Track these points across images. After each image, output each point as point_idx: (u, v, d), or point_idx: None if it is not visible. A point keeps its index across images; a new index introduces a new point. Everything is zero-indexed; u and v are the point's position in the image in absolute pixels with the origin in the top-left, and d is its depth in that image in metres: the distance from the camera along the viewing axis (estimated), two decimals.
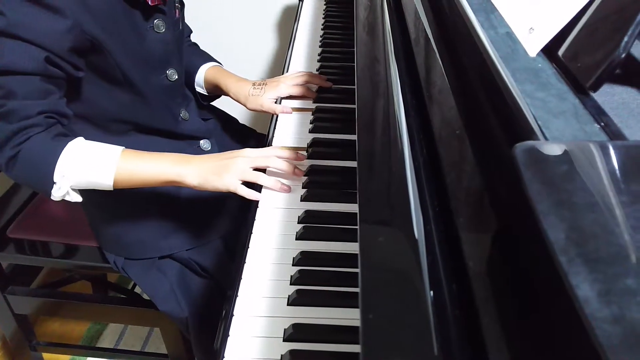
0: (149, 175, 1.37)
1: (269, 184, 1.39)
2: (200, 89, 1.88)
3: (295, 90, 1.78)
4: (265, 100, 1.76)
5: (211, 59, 1.91)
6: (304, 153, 1.51)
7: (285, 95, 1.79)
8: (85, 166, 1.31)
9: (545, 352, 0.48)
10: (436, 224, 0.72)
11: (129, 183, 1.37)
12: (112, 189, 1.37)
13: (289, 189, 1.40)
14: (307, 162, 1.47)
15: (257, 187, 1.40)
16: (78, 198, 1.39)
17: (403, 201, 0.76)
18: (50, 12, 1.23)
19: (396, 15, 1.38)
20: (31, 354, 2.21)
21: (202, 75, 1.85)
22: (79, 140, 1.34)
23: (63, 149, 1.29)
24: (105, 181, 1.34)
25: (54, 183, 1.30)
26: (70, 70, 1.32)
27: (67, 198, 1.36)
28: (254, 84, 1.80)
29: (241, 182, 1.36)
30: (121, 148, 1.37)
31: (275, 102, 1.77)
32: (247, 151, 1.42)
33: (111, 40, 1.36)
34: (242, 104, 1.82)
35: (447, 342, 0.57)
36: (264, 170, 1.41)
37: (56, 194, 1.32)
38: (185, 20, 1.78)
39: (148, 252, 1.70)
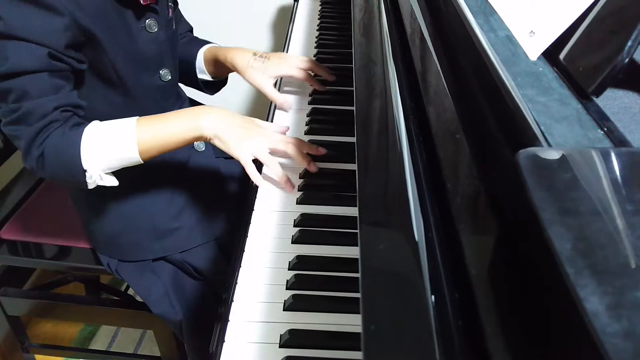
0: (171, 136, 1.36)
1: (277, 174, 1.38)
2: (203, 75, 1.85)
3: (297, 73, 1.74)
4: (267, 82, 1.70)
5: (209, 43, 1.88)
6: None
7: (286, 74, 1.75)
8: (107, 146, 1.32)
9: None
10: (437, 231, 0.71)
11: (154, 149, 1.37)
12: (141, 161, 1.37)
13: (292, 189, 1.39)
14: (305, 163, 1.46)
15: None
16: (114, 181, 1.39)
17: (403, 208, 0.75)
18: (45, 10, 1.23)
19: (394, 18, 1.37)
20: (23, 355, 2.20)
21: (202, 57, 1.82)
22: (95, 124, 1.34)
23: (82, 136, 1.30)
24: (130, 154, 1.34)
25: (85, 171, 1.31)
26: (74, 64, 1.32)
27: (102, 183, 1.36)
28: (255, 54, 1.74)
29: (253, 157, 1.37)
30: (135, 118, 1.37)
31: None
32: (269, 130, 1.44)
33: (105, 39, 1.35)
34: (239, 73, 1.75)
35: (451, 353, 0.56)
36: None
37: (90, 181, 1.33)
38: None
39: (142, 254, 1.69)
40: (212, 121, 1.36)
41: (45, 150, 1.28)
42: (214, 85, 1.91)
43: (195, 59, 1.83)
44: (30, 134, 1.27)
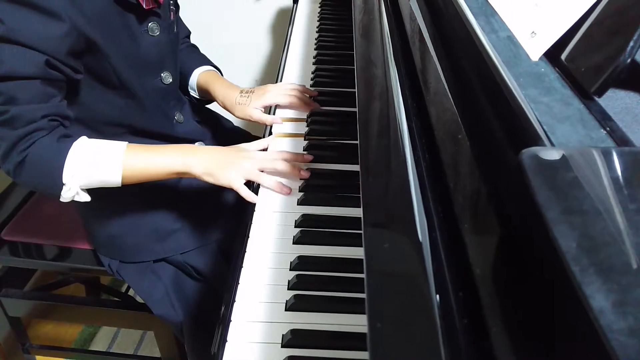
0: (156, 168, 1.38)
1: (270, 186, 1.40)
2: (193, 93, 1.87)
3: (283, 100, 1.74)
4: (252, 110, 1.73)
5: (208, 63, 1.89)
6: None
7: (271, 104, 1.75)
8: (92, 165, 1.32)
9: None
10: (441, 230, 0.71)
11: (137, 178, 1.38)
12: (120, 185, 1.37)
13: (289, 191, 1.40)
14: (304, 166, 1.46)
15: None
16: (87, 197, 1.39)
17: (407, 207, 0.75)
18: (46, 16, 1.22)
19: (394, 17, 1.37)
20: (24, 356, 2.20)
21: (195, 79, 1.84)
22: (83, 140, 1.34)
23: (69, 149, 1.29)
24: (113, 178, 1.34)
25: (64, 184, 1.30)
26: (70, 73, 1.31)
27: (77, 198, 1.36)
28: (241, 92, 1.77)
29: (244, 181, 1.38)
30: (125, 143, 1.37)
31: (268, 112, 1.74)
32: (255, 152, 1.44)
33: (106, 43, 1.35)
34: (229, 111, 1.80)
35: (456, 351, 0.57)
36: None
37: (66, 195, 1.33)
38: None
39: (143, 255, 1.69)
40: (199, 160, 1.38)
41: (28, 158, 1.27)
42: (201, 102, 1.93)
43: (190, 76, 1.85)
44: (13, 138, 1.26)
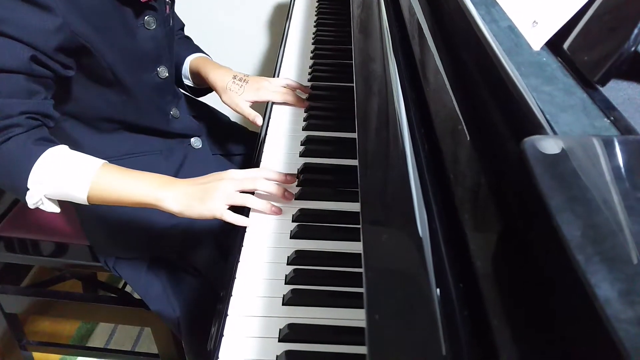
0: (125, 195, 1.28)
1: (258, 207, 1.30)
2: (187, 81, 1.86)
3: (277, 98, 1.71)
4: (242, 102, 1.70)
5: (199, 51, 1.89)
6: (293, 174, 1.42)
7: (264, 101, 1.73)
8: (60, 175, 1.25)
9: (562, 356, 0.46)
10: (441, 221, 0.70)
11: (104, 199, 1.29)
12: (87, 203, 1.29)
13: (279, 211, 1.31)
14: (302, 160, 1.44)
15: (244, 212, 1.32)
16: (54, 209, 1.32)
17: (406, 199, 0.74)
18: (39, 9, 1.20)
19: (393, 11, 1.36)
20: (21, 353, 2.19)
21: (188, 65, 1.83)
22: (61, 148, 1.28)
23: (41, 154, 1.23)
24: (78, 194, 1.26)
25: (27, 189, 1.24)
26: (59, 70, 1.28)
27: (42, 207, 1.29)
28: (234, 77, 1.73)
29: (228, 207, 1.29)
30: (102, 162, 1.29)
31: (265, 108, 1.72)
32: (233, 173, 1.33)
33: (101, 40, 1.33)
34: (217, 93, 1.75)
35: (456, 342, 0.56)
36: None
37: (30, 201, 1.26)
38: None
39: (139, 251, 1.68)
40: (173, 195, 1.28)
41: None
42: (198, 91, 1.92)
43: (182, 64, 1.83)
44: None
